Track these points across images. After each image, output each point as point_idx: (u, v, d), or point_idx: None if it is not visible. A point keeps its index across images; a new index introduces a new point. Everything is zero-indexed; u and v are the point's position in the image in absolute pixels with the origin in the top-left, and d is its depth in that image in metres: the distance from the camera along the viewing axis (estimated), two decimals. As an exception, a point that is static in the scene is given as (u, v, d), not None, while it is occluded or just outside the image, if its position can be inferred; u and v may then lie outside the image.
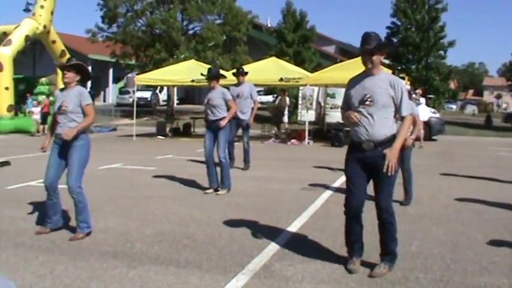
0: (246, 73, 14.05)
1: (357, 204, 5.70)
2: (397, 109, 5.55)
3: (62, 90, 7.33)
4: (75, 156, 7.00)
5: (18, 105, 28.83)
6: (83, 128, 7.03)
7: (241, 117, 13.24)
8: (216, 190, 10.32)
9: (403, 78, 13.27)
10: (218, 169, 10.35)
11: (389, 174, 5.42)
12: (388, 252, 5.72)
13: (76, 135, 6.92)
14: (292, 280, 5.26)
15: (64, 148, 7.06)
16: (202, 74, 11.12)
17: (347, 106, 5.72)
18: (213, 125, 10.40)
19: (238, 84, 13.75)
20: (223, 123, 10.26)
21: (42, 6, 28.76)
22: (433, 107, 30.71)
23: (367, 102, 5.51)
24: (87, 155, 7.18)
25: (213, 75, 10.48)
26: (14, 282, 1.48)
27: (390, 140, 5.48)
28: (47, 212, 7.17)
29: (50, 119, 26.95)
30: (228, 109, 10.47)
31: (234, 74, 14.27)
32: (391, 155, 5.38)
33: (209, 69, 10.70)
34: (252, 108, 13.71)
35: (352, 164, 5.67)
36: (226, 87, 11.97)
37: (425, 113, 22.67)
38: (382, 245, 5.80)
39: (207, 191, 10.34)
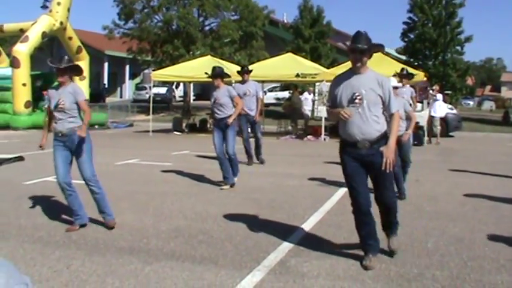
0: (251, 71, 14.27)
1: (364, 201, 5.67)
2: (386, 107, 5.61)
3: (55, 88, 7.50)
4: (83, 151, 7.23)
5: (36, 101, 28.95)
6: (86, 125, 7.32)
7: (251, 114, 13.51)
8: (231, 186, 10.42)
9: (411, 75, 13.15)
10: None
11: (387, 171, 5.46)
12: (392, 227, 6.09)
13: (75, 129, 7.23)
14: (308, 276, 5.25)
15: (66, 144, 7.25)
16: (206, 73, 11.19)
17: (333, 104, 5.75)
18: (221, 123, 10.54)
19: (243, 82, 13.90)
20: (230, 120, 10.39)
21: (58, 3, 28.86)
22: (450, 103, 30.51)
23: (357, 101, 5.55)
24: (91, 146, 7.43)
25: (217, 74, 10.58)
26: (29, 277, 1.48)
27: (383, 137, 5.55)
28: (72, 209, 7.24)
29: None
30: (235, 106, 10.59)
31: (238, 72, 14.39)
32: (388, 152, 5.45)
33: (213, 68, 10.78)
34: (257, 106, 13.84)
35: (351, 163, 5.67)
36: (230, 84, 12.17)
37: (442, 109, 22.54)
38: (385, 224, 6.11)
39: (224, 187, 10.40)
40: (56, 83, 7.68)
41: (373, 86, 5.54)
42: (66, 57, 7.57)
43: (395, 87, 9.89)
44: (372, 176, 5.70)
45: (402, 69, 12.98)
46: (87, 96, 29.02)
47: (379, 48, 6.14)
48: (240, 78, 14.25)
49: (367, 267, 5.56)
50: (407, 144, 9.96)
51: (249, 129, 13.74)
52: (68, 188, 7.19)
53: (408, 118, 9.92)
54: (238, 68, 15.01)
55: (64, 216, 7.70)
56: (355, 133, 5.54)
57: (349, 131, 5.57)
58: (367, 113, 5.51)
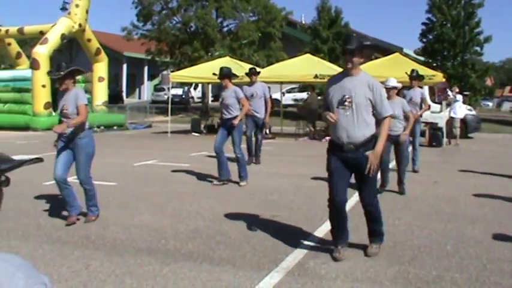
0: (259, 73, 14.41)
1: (340, 200, 5.94)
2: (377, 111, 5.66)
3: (63, 92, 7.72)
4: (82, 154, 7.50)
5: (54, 102, 29.15)
6: (74, 125, 7.34)
7: (257, 116, 13.65)
8: (228, 180, 10.78)
9: (421, 77, 13.11)
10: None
11: (370, 175, 5.60)
12: (376, 235, 6.06)
13: (77, 131, 7.40)
14: (326, 278, 5.23)
15: (69, 145, 7.51)
16: (214, 74, 11.35)
17: (326, 106, 5.87)
18: (227, 123, 10.70)
19: (251, 84, 14.05)
20: (236, 122, 10.53)
21: (77, 5, 29.03)
22: (469, 104, 30.31)
23: (346, 103, 5.65)
24: (92, 150, 7.65)
25: (225, 75, 10.71)
26: (48, 277, 1.49)
27: (370, 141, 5.62)
28: (67, 201, 7.50)
29: (91, 115, 27.29)
30: (241, 107, 10.74)
31: (247, 74, 14.51)
32: (373, 157, 5.58)
33: (220, 68, 10.95)
34: (266, 107, 13.90)
35: (335, 162, 5.84)
36: (239, 86, 12.31)
37: (461, 110, 22.40)
38: (369, 228, 6.14)
39: (215, 182, 10.77)
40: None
41: (363, 89, 5.62)
42: (63, 63, 7.81)
43: (394, 88, 10.00)
44: (356, 176, 5.83)
45: (412, 70, 13.06)
46: (105, 98, 29.29)
47: (370, 48, 6.25)
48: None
49: (336, 258, 5.75)
50: (404, 144, 10.12)
51: (253, 129, 13.83)
52: (63, 185, 7.49)
53: (407, 118, 9.98)
54: (257, 69, 15.08)
55: (83, 217, 7.74)
56: (342, 136, 5.68)
57: (337, 133, 5.71)
58: (356, 116, 5.61)
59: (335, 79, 5.87)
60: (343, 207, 5.95)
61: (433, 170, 13.35)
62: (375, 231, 6.13)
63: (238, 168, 10.82)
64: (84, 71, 8.29)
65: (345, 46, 5.65)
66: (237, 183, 10.72)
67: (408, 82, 13.09)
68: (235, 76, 11.43)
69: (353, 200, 9.38)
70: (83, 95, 7.65)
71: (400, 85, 10.63)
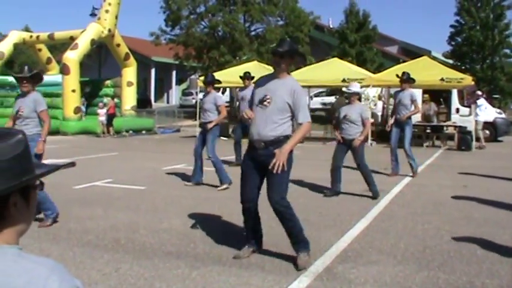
0: (252, 77, 14.35)
1: (248, 199, 6.05)
2: (295, 116, 5.79)
3: (19, 96, 8.07)
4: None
5: (86, 107, 29.46)
6: (45, 134, 7.80)
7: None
8: (197, 184, 11.20)
9: (412, 80, 13.11)
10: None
11: (276, 172, 5.58)
12: (297, 241, 5.90)
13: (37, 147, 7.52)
14: (355, 283, 5.22)
15: None
16: (241, 77, 11.71)
17: (251, 103, 6.07)
18: (204, 126, 11.17)
19: (243, 88, 14.16)
20: (210, 126, 10.96)
21: (107, 11, 29.31)
22: (499, 108, 30.02)
23: (265, 103, 5.81)
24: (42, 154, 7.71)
25: (209, 81, 11.35)
26: (80, 281, 1.52)
27: (282, 141, 5.69)
28: (42, 205, 7.51)
29: (116, 120, 27.53)
30: (219, 113, 11.20)
31: (240, 77, 14.60)
32: (280, 154, 5.58)
33: (206, 75, 11.40)
34: None
35: (247, 162, 6.01)
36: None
37: (488, 113, 22.24)
38: (288, 236, 6.01)
39: (187, 183, 11.25)
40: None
41: (284, 93, 5.74)
42: (26, 67, 8.12)
43: (355, 93, 10.30)
44: (266, 175, 5.86)
45: (403, 73, 13.21)
46: (134, 102, 29.51)
47: (299, 55, 6.34)
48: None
49: (237, 256, 5.96)
50: (360, 149, 10.25)
51: (241, 134, 13.90)
52: None
53: (364, 124, 10.18)
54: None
55: (112, 221, 7.80)
56: (253, 132, 5.88)
57: (251, 130, 5.91)
58: (269, 117, 5.75)
59: (262, 80, 6.04)
60: (252, 206, 6.06)
61: (462, 174, 13.23)
62: (292, 237, 5.94)
63: (216, 173, 11.09)
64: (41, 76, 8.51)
65: (276, 48, 5.84)
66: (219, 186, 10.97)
67: (435, 85, 13.11)
68: (219, 82, 12.17)
69: (384, 201, 9.34)
70: (43, 101, 7.98)
71: (362, 90, 11.03)
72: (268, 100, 5.77)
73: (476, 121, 21.25)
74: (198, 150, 11.20)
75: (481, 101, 22.03)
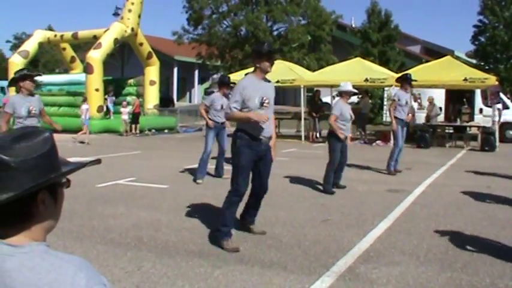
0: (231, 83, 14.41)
1: (245, 192, 6.71)
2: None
3: (18, 96, 8.53)
4: None
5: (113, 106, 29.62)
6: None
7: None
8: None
9: (413, 79, 13.13)
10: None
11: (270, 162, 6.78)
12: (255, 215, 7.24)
13: None
14: (377, 283, 5.20)
15: None
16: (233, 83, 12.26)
17: (241, 106, 6.46)
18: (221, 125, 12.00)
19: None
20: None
21: (130, 10, 29.44)
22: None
23: (265, 104, 6.51)
24: None
25: (226, 82, 11.85)
26: (105, 278, 1.54)
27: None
28: None
29: (142, 119, 27.65)
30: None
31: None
32: (274, 147, 6.82)
33: (223, 76, 12.30)
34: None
35: (249, 157, 6.48)
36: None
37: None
38: (255, 211, 7.27)
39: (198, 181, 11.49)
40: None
41: (273, 92, 6.76)
42: (26, 68, 8.65)
43: (351, 92, 10.74)
44: (259, 166, 6.68)
45: (403, 74, 13.25)
46: (157, 101, 29.64)
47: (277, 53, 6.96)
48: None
49: (235, 249, 6.29)
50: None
51: None
52: None
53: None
54: (308, 72, 15.05)
55: (135, 219, 7.85)
56: (264, 131, 6.52)
57: (260, 128, 6.46)
58: (270, 116, 6.60)
59: (251, 82, 6.56)
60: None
61: (485, 175, 13.13)
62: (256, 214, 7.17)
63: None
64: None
65: (271, 50, 6.60)
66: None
67: (458, 85, 13.11)
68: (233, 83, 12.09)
69: (406, 202, 9.30)
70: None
71: (354, 90, 11.30)
72: (267, 101, 6.52)
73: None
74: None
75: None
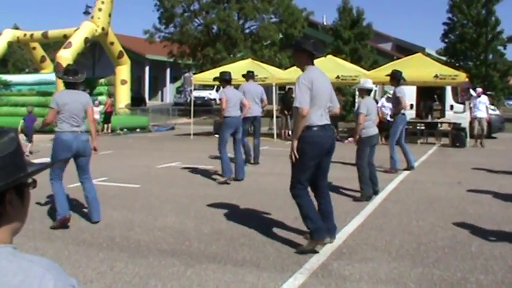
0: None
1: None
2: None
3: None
4: None
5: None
6: None
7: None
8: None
9: (395, 78, 13.14)
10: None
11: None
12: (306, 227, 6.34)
13: None
14: (350, 280, 5.23)
15: None
16: (243, 76, 12.07)
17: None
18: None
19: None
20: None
21: (100, 9, 29.25)
22: (492, 104, 30.05)
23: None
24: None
25: (227, 79, 11.69)
26: (76, 279, 1.52)
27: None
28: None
29: (113, 118, 27.50)
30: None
31: (243, 75, 14.65)
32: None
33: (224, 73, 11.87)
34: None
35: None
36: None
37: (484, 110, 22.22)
38: None
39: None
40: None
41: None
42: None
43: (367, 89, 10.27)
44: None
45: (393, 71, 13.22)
46: (128, 101, 29.47)
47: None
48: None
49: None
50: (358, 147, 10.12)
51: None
52: None
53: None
54: (279, 70, 15.09)
55: (107, 219, 7.80)
56: None
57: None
58: None
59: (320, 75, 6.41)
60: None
61: (456, 170, 13.26)
62: (304, 221, 6.35)
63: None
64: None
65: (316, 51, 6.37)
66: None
67: (429, 82, 13.16)
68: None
69: (378, 198, 9.36)
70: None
71: (373, 86, 10.73)
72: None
73: (479, 118, 20.96)
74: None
75: (483, 98, 21.64)
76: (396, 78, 12.85)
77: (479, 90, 21.97)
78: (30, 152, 16.65)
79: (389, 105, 17.03)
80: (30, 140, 17.69)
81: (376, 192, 9.80)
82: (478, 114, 20.98)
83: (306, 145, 6.05)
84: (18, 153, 1.55)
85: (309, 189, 6.41)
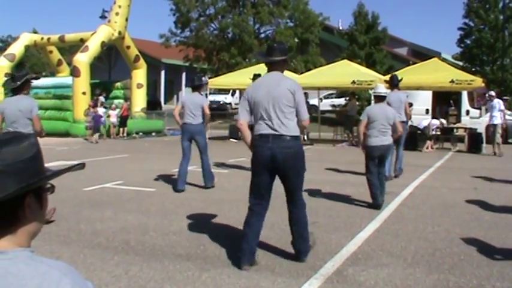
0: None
1: None
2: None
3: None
4: None
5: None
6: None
7: None
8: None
9: (392, 83, 13.11)
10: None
11: None
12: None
13: None
14: (365, 285, 5.21)
15: None
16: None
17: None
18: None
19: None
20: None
21: (117, 13, 29.43)
22: (509, 109, 29.84)
23: None
24: None
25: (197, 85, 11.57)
26: (92, 283, 1.53)
27: None
28: None
29: (129, 122, 27.63)
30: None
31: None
32: None
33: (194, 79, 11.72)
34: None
35: None
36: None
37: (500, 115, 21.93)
38: None
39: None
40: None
41: None
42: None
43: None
44: None
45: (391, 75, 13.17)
46: (144, 104, 29.63)
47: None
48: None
49: None
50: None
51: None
52: None
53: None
54: (294, 75, 14.98)
55: (122, 223, 7.82)
56: None
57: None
58: None
59: None
60: None
61: (472, 176, 13.19)
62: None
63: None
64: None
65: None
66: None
67: (445, 87, 13.06)
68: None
69: (394, 204, 9.32)
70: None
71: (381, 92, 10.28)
72: None
73: (494, 125, 19.42)
74: None
75: (497, 102, 20.47)
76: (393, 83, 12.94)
77: (492, 93, 20.99)
78: None
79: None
80: None
81: (377, 206, 9.15)
82: (493, 120, 19.60)
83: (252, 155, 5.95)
84: (38, 157, 1.58)
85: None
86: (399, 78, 13.25)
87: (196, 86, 11.37)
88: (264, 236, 7.04)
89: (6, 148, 1.51)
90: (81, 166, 1.74)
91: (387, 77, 15.48)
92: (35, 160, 1.56)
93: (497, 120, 18.99)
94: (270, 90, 5.83)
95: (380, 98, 9.86)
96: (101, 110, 25.77)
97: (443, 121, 22.84)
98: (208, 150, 11.30)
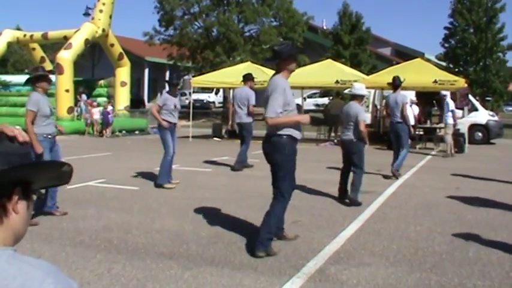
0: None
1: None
2: None
3: (39, 94, 8.07)
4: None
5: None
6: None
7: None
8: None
9: (394, 84, 13.12)
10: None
11: None
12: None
13: None
14: (348, 284, 5.23)
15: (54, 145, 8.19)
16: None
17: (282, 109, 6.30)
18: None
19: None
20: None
21: (101, 11, 29.28)
22: (492, 110, 30.04)
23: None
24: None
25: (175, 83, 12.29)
26: (76, 282, 1.53)
27: None
28: None
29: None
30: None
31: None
32: None
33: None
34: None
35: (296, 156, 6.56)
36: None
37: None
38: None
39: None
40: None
41: None
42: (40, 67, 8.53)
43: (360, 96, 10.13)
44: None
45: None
46: (127, 102, 29.54)
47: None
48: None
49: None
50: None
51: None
52: None
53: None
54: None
55: (105, 221, 7.80)
56: (300, 132, 6.60)
57: (299, 130, 6.53)
58: None
59: (287, 84, 6.45)
60: None
61: (455, 176, 13.27)
62: None
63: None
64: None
65: (297, 51, 6.35)
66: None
67: (428, 87, 13.05)
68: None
69: (376, 203, 9.36)
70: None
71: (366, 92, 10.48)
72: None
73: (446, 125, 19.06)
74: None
75: (446, 103, 19.20)
76: (395, 84, 12.94)
77: (443, 93, 19.69)
78: None
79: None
80: None
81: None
82: (446, 120, 19.02)
83: None
84: (31, 155, 1.65)
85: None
86: (401, 80, 13.23)
87: (174, 85, 12.11)
88: (247, 235, 7.06)
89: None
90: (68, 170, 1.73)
91: (387, 79, 15.43)
92: (28, 156, 1.61)
93: (450, 120, 18.66)
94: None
95: (354, 97, 10.13)
96: (98, 109, 25.87)
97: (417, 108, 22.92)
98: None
